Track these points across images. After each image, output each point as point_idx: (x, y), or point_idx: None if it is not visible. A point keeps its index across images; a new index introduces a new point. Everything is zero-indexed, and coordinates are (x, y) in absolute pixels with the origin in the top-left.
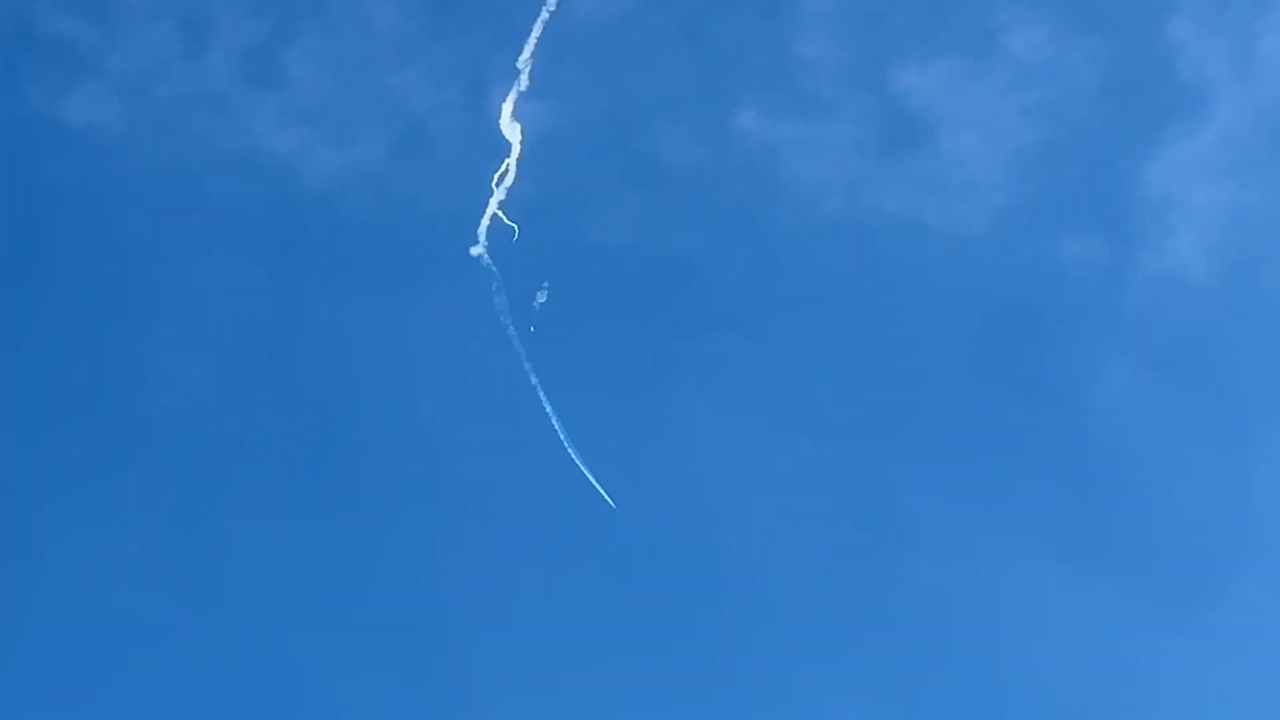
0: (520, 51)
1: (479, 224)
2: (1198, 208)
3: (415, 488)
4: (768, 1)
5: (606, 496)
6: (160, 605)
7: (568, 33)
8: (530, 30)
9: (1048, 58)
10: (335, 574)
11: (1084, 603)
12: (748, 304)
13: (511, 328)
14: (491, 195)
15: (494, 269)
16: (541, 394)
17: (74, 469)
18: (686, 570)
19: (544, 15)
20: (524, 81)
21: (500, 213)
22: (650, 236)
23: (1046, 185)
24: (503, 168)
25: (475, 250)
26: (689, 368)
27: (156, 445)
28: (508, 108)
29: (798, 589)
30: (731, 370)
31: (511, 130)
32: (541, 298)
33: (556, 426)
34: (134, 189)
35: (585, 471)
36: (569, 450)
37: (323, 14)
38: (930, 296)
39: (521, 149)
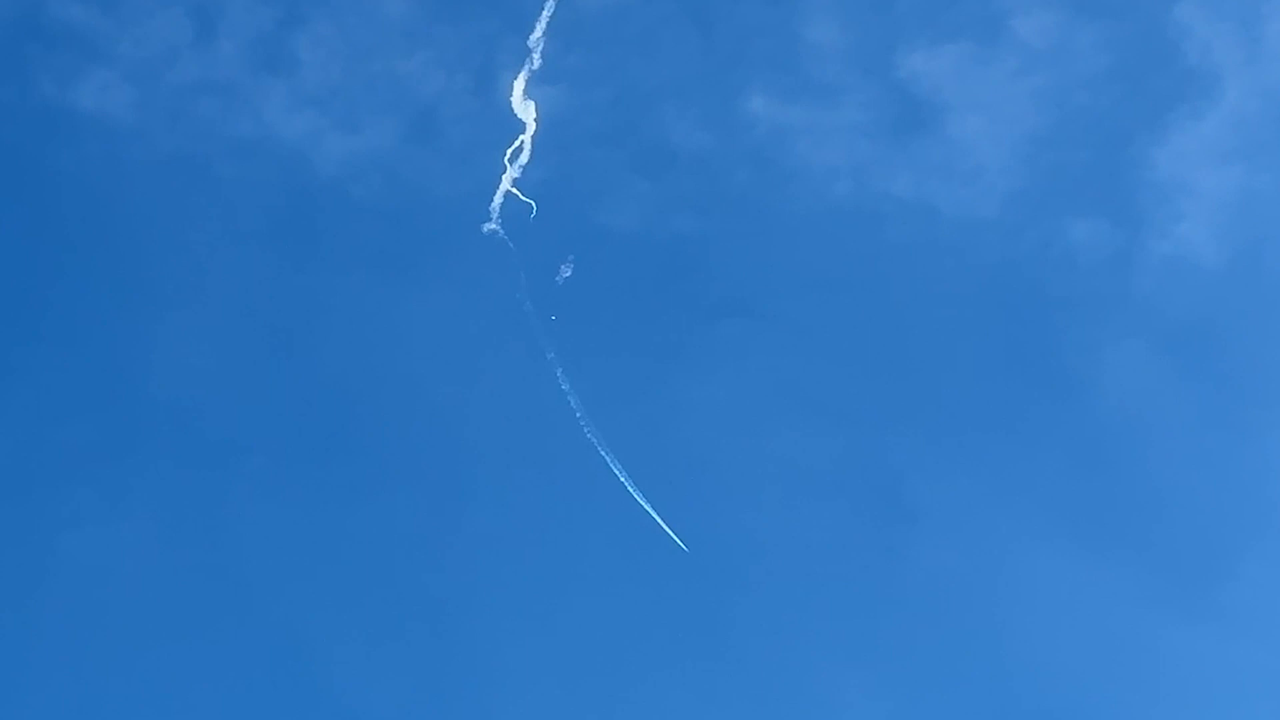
0: (529, 34)
1: (491, 203)
2: (1206, 192)
3: (428, 474)
4: None
5: (678, 540)
6: (173, 595)
7: (576, 18)
8: (540, 11)
9: (1055, 42)
10: (349, 563)
11: (1095, 586)
12: (756, 288)
13: (528, 302)
14: (505, 172)
15: (510, 243)
16: (582, 418)
17: (83, 457)
18: (697, 556)
19: None
20: (536, 60)
21: (515, 190)
22: (659, 221)
23: (1055, 170)
24: (517, 143)
25: (488, 227)
26: (698, 352)
27: (167, 432)
28: (519, 85)
29: (809, 573)
30: (741, 355)
31: (524, 108)
32: (566, 271)
33: (614, 467)
34: (144, 176)
35: (651, 512)
36: (631, 492)
37: (332, 0)
38: (939, 281)
39: (537, 125)
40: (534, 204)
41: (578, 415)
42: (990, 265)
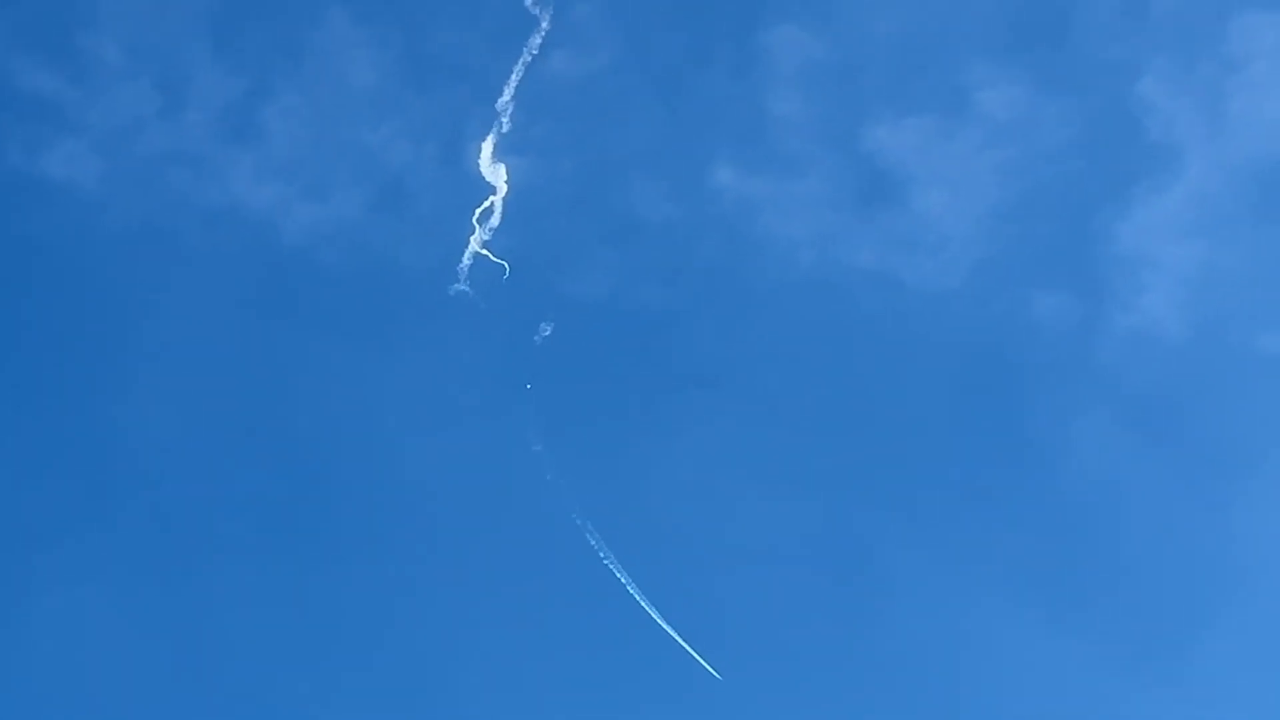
0: (497, 99)
1: (458, 269)
2: (1168, 265)
3: (396, 538)
4: (742, 59)
5: (710, 668)
6: (141, 659)
7: (543, 89)
8: (508, 77)
9: (1019, 116)
10: (316, 627)
11: (1060, 655)
12: (723, 358)
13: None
14: (473, 234)
15: (480, 303)
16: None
17: (51, 522)
18: (667, 624)
19: (526, 58)
20: (505, 123)
21: (485, 251)
22: (626, 291)
23: (1018, 242)
24: (486, 204)
25: (457, 288)
26: (665, 422)
27: (136, 498)
28: (488, 148)
29: (777, 642)
30: (707, 424)
31: (494, 171)
32: (546, 330)
33: (647, 608)
34: (112, 245)
35: (683, 642)
36: (661, 624)
37: (299, 71)
38: (904, 352)
39: (508, 188)
40: (506, 264)
41: (549, 479)
42: (955, 337)
